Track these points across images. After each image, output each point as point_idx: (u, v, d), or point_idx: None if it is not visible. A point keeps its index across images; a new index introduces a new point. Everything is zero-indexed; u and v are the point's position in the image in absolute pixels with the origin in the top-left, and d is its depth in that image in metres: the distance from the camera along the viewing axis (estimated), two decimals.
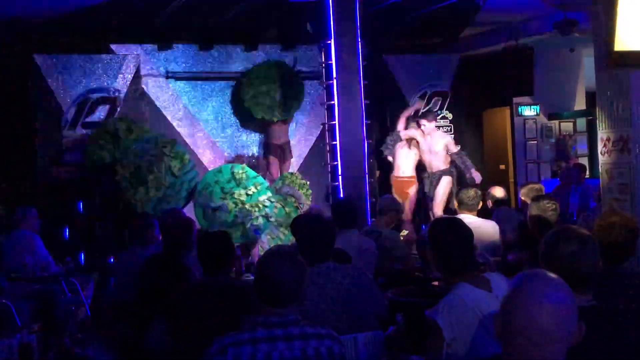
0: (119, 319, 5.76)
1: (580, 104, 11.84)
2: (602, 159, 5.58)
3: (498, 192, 7.51)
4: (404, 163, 9.94)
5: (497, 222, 6.23)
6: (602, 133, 5.55)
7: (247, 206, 8.21)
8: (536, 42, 10.65)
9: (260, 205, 8.26)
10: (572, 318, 1.85)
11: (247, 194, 8.25)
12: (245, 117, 10.08)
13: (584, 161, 11.45)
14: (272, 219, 8.41)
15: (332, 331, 2.82)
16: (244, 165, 8.56)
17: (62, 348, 6.62)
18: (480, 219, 6.17)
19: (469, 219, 5.82)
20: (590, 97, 11.20)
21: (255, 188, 8.31)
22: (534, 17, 9.58)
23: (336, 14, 7.84)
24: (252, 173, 8.45)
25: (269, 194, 8.42)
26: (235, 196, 8.19)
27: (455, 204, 6.60)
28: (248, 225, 8.17)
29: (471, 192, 6.19)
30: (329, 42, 7.91)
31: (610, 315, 2.54)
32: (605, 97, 5.51)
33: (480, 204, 6.38)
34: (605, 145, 5.52)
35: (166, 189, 8.13)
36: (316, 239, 3.95)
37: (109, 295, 6.45)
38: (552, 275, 1.91)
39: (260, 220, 8.27)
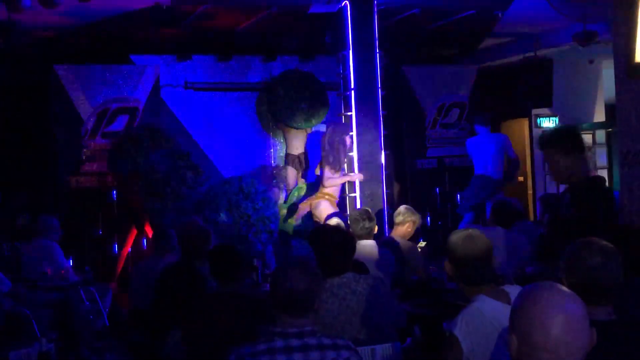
0: (136, 327, 5.78)
1: (599, 116, 11.77)
2: (621, 171, 5.53)
3: (516, 204, 7.47)
4: None
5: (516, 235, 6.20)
6: (622, 145, 5.51)
7: (252, 220, 8.19)
8: (555, 54, 10.61)
9: (266, 221, 8.25)
10: (586, 328, 1.85)
11: (254, 209, 8.23)
12: (265, 128, 10.11)
13: (603, 173, 11.36)
14: (275, 234, 8.42)
15: (349, 342, 2.82)
16: (253, 179, 8.55)
17: (80, 357, 6.65)
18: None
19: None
20: (610, 109, 11.13)
21: (263, 203, 8.29)
22: (553, 28, 9.55)
23: (354, 24, 7.86)
24: (261, 187, 8.44)
25: (276, 209, 8.42)
26: (242, 209, 8.18)
27: None
28: (252, 240, 8.16)
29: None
30: (347, 52, 7.93)
31: (631, 328, 2.51)
32: (625, 109, 5.47)
33: None
34: (625, 158, 5.48)
35: (182, 200, 8.16)
36: (336, 250, 3.93)
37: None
38: (563, 287, 1.91)
39: (264, 236, 8.25)
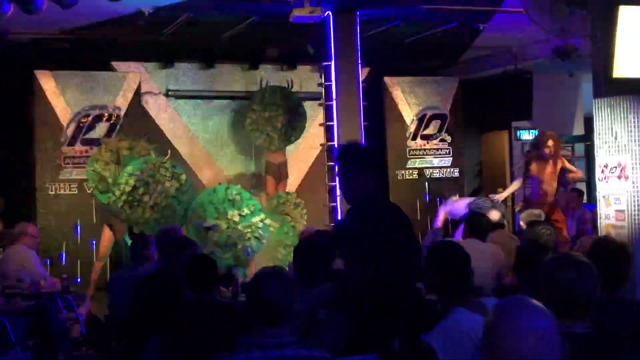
0: (114, 336, 5.73)
1: (578, 129, 11.88)
2: (599, 184, 5.59)
3: (494, 215, 7.51)
4: None
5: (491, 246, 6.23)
6: (600, 159, 5.57)
7: (240, 227, 8.19)
8: (535, 67, 10.70)
9: (254, 227, 8.25)
10: (557, 343, 1.87)
11: (241, 215, 8.24)
12: (245, 137, 10.10)
13: (582, 186, 11.46)
14: (265, 241, 8.41)
15: (326, 353, 2.82)
16: (239, 186, 8.55)
17: None
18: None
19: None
20: (589, 123, 11.23)
21: (249, 209, 8.30)
22: (533, 41, 9.64)
23: (336, 35, 7.89)
24: (246, 194, 8.44)
25: (263, 215, 8.42)
26: (229, 217, 8.18)
27: None
28: (240, 247, 8.16)
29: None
30: (329, 63, 7.95)
31: (608, 342, 2.53)
32: (603, 123, 5.54)
33: None
34: (602, 171, 5.54)
35: (163, 209, 8.12)
36: (314, 262, 3.94)
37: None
38: (534, 301, 1.93)
39: (253, 242, 8.25)
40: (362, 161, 3.85)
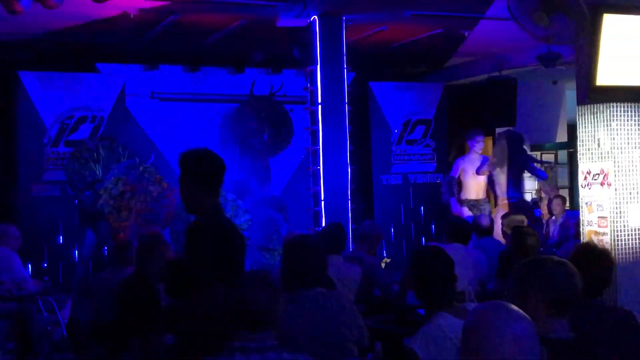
0: (96, 339, 5.70)
1: (562, 136, 11.96)
2: (582, 191, 5.63)
3: (484, 220, 7.55)
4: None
5: (473, 251, 6.29)
6: (583, 165, 5.61)
7: None
8: (519, 74, 10.76)
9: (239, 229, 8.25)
10: (535, 348, 1.89)
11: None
12: (229, 140, 10.08)
13: (565, 193, 11.53)
14: (248, 242, 8.39)
15: (309, 357, 2.81)
16: (223, 189, 8.52)
17: None
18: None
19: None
20: (572, 130, 11.32)
21: (233, 211, 8.29)
22: (518, 48, 9.69)
23: (322, 40, 7.90)
24: (231, 196, 8.43)
25: (247, 216, 8.41)
26: None
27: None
28: None
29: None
30: (315, 67, 7.96)
31: (588, 347, 2.55)
32: (586, 130, 5.58)
33: None
34: (585, 178, 5.58)
35: (148, 212, 8.08)
36: (307, 264, 3.91)
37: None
38: (512, 306, 1.94)
39: None
40: (198, 174, 3.53)
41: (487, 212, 9.72)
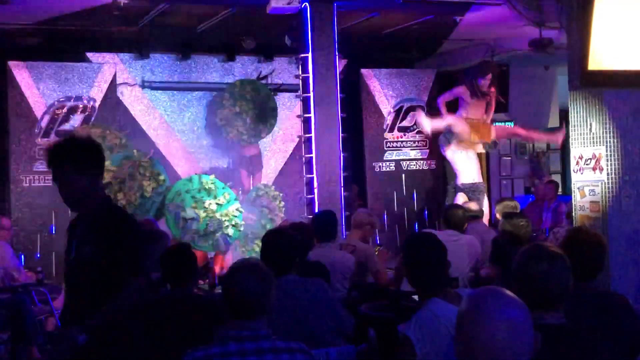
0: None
1: (554, 121, 11.96)
2: (574, 176, 5.64)
3: (472, 206, 7.58)
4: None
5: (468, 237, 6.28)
6: (575, 151, 5.62)
7: (217, 215, 8.19)
8: (511, 59, 10.76)
9: (230, 215, 8.26)
10: (529, 333, 1.90)
11: (218, 204, 8.23)
12: (220, 129, 10.06)
13: (557, 178, 11.56)
14: (242, 229, 8.40)
15: (303, 345, 2.82)
16: (213, 175, 8.52)
17: (31, 358, 6.54)
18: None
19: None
20: (564, 115, 11.33)
21: (225, 198, 8.30)
22: (509, 34, 9.68)
23: (314, 27, 7.86)
24: (220, 184, 8.42)
25: (238, 204, 8.42)
26: (206, 205, 8.17)
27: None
28: (218, 235, 8.16)
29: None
30: (307, 55, 7.93)
31: (581, 333, 2.55)
32: (578, 115, 5.58)
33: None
34: (577, 163, 5.59)
35: (135, 208, 8.05)
36: (279, 251, 3.92)
37: None
38: (507, 292, 1.95)
39: (231, 230, 8.26)
40: (78, 161, 3.32)
41: (484, 197, 9.69)
